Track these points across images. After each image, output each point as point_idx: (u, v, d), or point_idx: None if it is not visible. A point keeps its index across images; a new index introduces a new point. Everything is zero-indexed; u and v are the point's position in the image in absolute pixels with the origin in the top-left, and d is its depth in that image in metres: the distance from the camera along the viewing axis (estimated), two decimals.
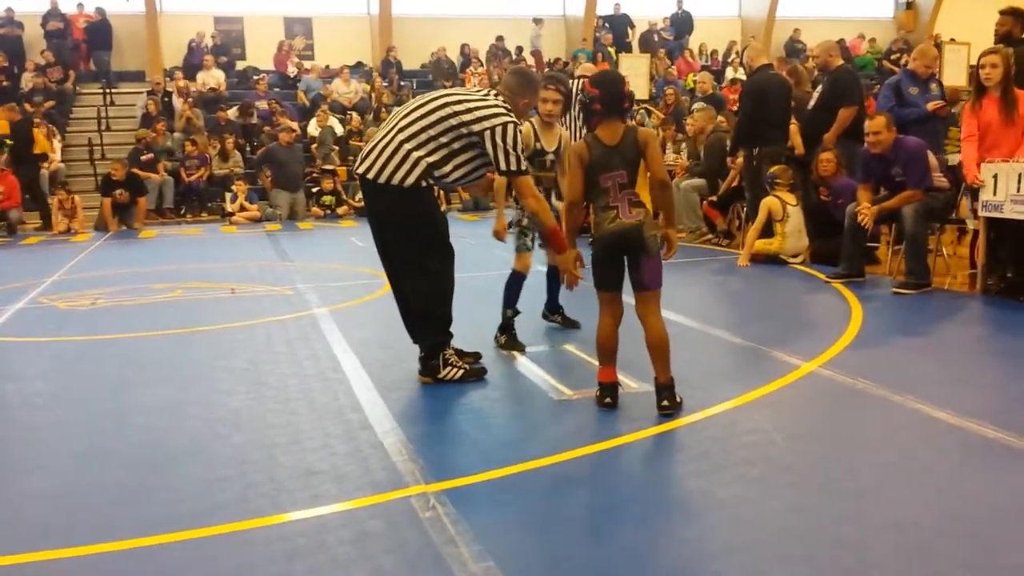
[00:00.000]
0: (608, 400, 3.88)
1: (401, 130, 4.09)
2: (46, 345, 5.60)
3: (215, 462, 3.35)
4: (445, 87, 17.77)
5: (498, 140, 4.03)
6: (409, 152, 4.04)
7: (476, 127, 4.03)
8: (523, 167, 4.12)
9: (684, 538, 2.68)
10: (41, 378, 4.91)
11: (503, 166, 4.08)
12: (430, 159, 4.04)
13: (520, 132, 4.13)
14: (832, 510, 2.82)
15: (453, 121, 4.05)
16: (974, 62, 11.42)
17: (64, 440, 3.76)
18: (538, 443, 3.46)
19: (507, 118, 4.07)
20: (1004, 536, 2.62)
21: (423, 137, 4.04)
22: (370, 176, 4.10)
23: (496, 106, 4.10)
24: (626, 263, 3.79)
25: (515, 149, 4.06)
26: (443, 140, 4.05)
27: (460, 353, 4.40)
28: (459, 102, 4.09)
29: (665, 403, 3.76)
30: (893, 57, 20.11)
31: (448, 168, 4.10)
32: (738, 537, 2.64)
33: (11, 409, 4.28)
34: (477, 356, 4.53)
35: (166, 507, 2.94)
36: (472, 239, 9.46)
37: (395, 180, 4.04)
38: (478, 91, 4.31)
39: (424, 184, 4.06)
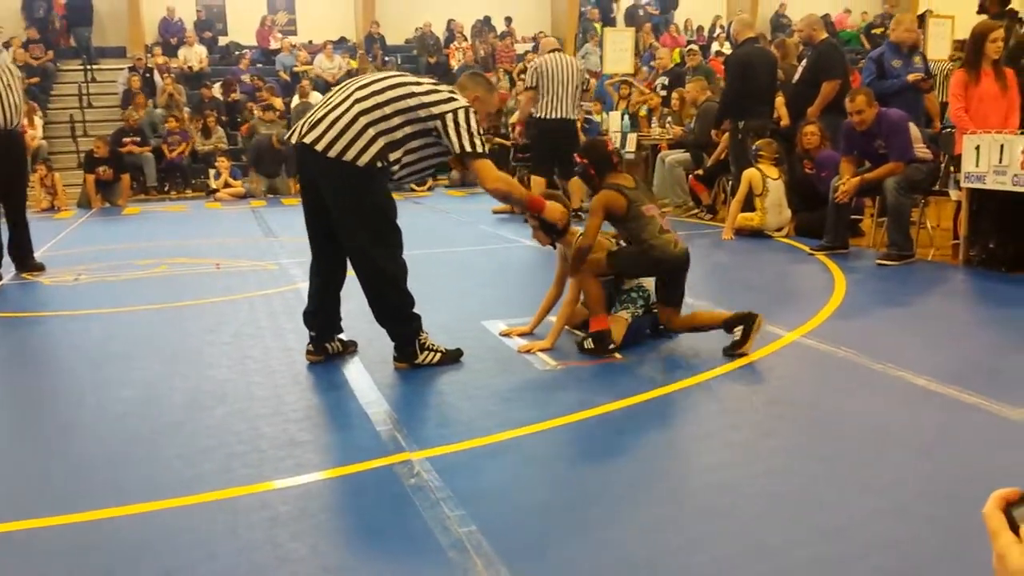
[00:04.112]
0: (612, 345, 4.18)
1: (358, 101, 3.80)
2: (29, 320, 5.57)
3: (199, 433, 3.35)
4: (429, 64, 17.70)
5: (460, 121, 3.82)
6: (366, 127, 3.75)
7: (436, 109, 3.81)
8: (483, 150, 3.91)
9: (667, 503, 2.70)
10: (23, 353, 4.90)
11: (466, 147, 3.83)
12: (387, 138, 3.78)
13: (474, 117, 3.91)
14: (813, 474, 2.84)
15: (412, 102, 3.82)
16: (958, 36, 11.50)
17: (45, 413, 3.75)
18: (522, 412, 3.47)
19: (466, 103, 3.90)
20: (981, 498, 2.63)
21: (378, 114, 3.77)
22: (319, 147, 3.75)
23: (454, 94, 3.94)
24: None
25: (473, 131, 3.86)
26: (397, 121, 3.79)
27: (343, 342, 4.29)
28: (418, 83, 3.93)
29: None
30: (875, 31, 20.04)
31: (399, 153, 3.83)
32: (722, 501, 2.67)
33: None
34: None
35: (149, 478, 2.94)
36: (457, 214, 9.48)
37: (348, 156, 3.73)
38: (434, 82, 4.12)
39: (378, 165, 3.78)
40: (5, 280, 6.69)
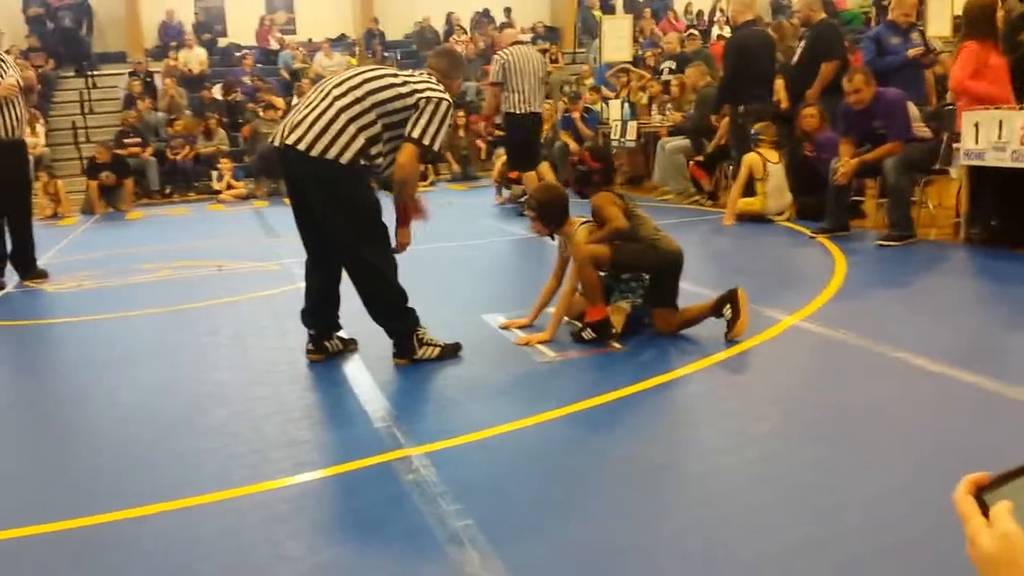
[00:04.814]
0: (615, 331, 4.21)
1: (337, 99, 3.80)
2: (32, 328, 5.61)
3: (200, 435, 3.37)
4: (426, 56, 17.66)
5: (432, 109, 3.82)
6: (347, 124, 3.75)
7: (411, 100, 3.81)
8: (434, 147, 3.89)
9: (664, 490, 2.72)
10: (27, 360, 4.94)
11: (418, 133, 3.80)
12: (367, 133, 3.78)
13: (451, 118, 3.92)
14: (808, 456, 2.85)
15: (389, 93, 3.81)
16: (958, 12, 11.42)
17: (49, 418, 3.78)
18: (520, 405, 3.48)
19: (445, 97, 3.90)
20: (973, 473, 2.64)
21: (358, 109, 3.77)
22: (301, 147, 3.75)
23: (435, 85, 3.94)
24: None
25: (440, 129, 3.86)
26: (374, 115, 3.79)
27: (342, 340, 4.30)
28: (395, 74, 3.93)
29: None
30: (885, 2, 19.77)
31: (380, 146, 3.84)
32: (717, 485, 2.68)
33: None
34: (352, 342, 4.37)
35: (151, 480, 2.97)
36: (457, 208, 9.48)
37: (331, 154, 3.73)
38: (410, 72, 4.10)
39: (361, 163, 3.79)
40: (8, 288, 6.73)
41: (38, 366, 4.84)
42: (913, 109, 6.62)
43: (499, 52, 8.88)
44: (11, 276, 6.92)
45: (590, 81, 14.03)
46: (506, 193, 10.22)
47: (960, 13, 11.19)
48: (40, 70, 15.89)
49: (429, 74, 4.06)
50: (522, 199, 8.36)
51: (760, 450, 2.93)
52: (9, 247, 6.91)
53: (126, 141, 13.40)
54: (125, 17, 17.87)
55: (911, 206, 6.58)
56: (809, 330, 4.30)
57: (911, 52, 7.64)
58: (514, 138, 8.95)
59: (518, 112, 8.63)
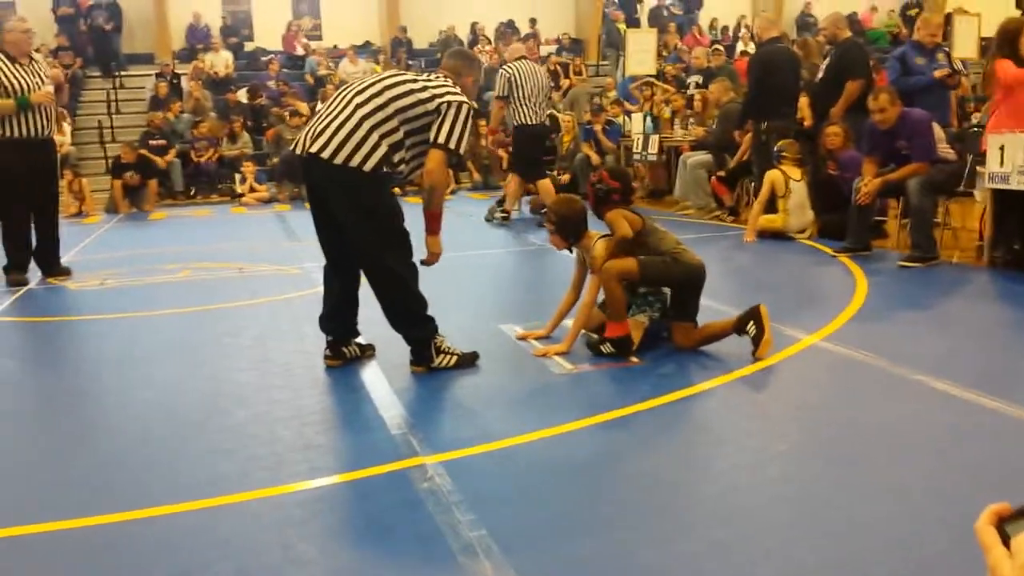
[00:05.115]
0: (634, 347, 4.22)
1: (359, 106, 3.83)
2: (55, 324, 5.66)
3: (218, 436, 3.39)
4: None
5: (454, 113, 3.86)
6: (370, 131, 3.78)
7: (432, 105, 3.84)
8: (460, 150, 3.93)
9: (681, 508, 2.70)
10: (48, 356, 4.98)
11: (443, 140, 3.84)
12: (389, 140, 3.81)
13: (471, 121, 3.96)
14: (827, 477, 2.84)
15: (410, 99, 3.84)
16: (985, 33, 11.36)
17: (66, 415, 3.81)
18: (537, 416, 3.48)
19: (465, 101, 3.93)
20: (996, 503, 2.62)
21: (381, 116, 3.80)
22: (324, 155, 3.78)
23: (452, 88, 3.96)
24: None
25: (463, 132, 3.89)
26: (397, 121, 3.82)
27: (360, 346, 4.33)
28: (414, 80, 3.95)
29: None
30: (911, 12, 19.59)
31: (402, 152, 3.87)
32: (735, 504, 2.66)
33: (17, 386, 4.35)
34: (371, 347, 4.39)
35: (168, 480, 2.98)
36: (476, 217, 9.50)
37: (354, 162, 3.76)
38: (426, 75, 4.11)
39: (384, 170, 3.82)
40: (31, 285, 6.79)
41: (59, 363, 4.88)
42: (938, 130, 6.59)
43: (504, 66, 9.15)
44: (34, 273, 6.99)
45: (613, 94, 14.06)
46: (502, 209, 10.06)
47: (986, 35, 11.15)
48: (68, 70, 16.08)
49: (445, 76, 4.08)
50: (543, 210, 8.38)
51: (778, 470, 2.92)
52: (34, 244, 6.98)
53: (152, 143, 13.52)
54: (154, 19, 18.06)
55: (934, 227, 6.54)
56: (828, 350, 4.28)
57: (937, 73, 7.61)
58: (524, 148, 9.20)
59: (528, 123, 8.93)
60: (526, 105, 8.84)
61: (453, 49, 4.68)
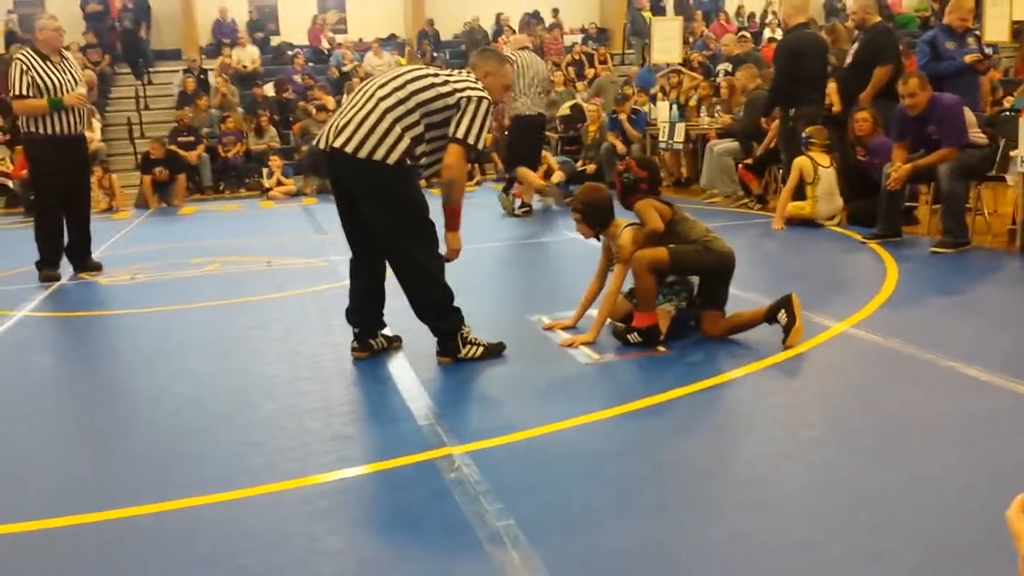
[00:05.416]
0: (661, 336, 4.20)
1: (382, 100, 3.84)
2: (87, 319, 5.73)
3: (247, 428, 3.42)
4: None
5: (473, 108, 3.86)
6: (393, 124, 3.79)
7: (452, 99, 3.85)
8: (478, 145, 3.93)
9: (707, 497, 2.69)
10: (81, 351, 5.05)
11: (462, 134, 3.86)
12: (411, 133, 3.82)
13: (491, 117, 3.96)
14: (856, 465, 2.81)
15: (431, 93, 3.85)
16: (1017, 17, 11.17)
17: (99, 409, 3.86)
18: (563, 406, 3.47)
19: (485, 96, 3.93)
20: None
21: (403, 109, 3.81)
22: (348, 149, 3.80)
23: (474, 84, 3.96)
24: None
25: (482, 127, 3.89)
26: (418, 115, 3.84)
27: (387, 338, 4.33)
28: (436, 74, 3.96)
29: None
30: None
31: (424, 146, 3.89)
32: (762, 494, 2.65)
33: (50, 380, 4.41)
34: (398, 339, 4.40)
35: (196, 472, 3.02)
36: (500, 209, 9.49)
37: (378, 155, 3.78)
38: (449, 71, 4.13)
39: (407, 163, 3.84)
40: (63, 280, 6.88)
41: (91, 357, 4.94)
42: (969, 115, 6.49)
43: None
44: (66, 268, 7.08)
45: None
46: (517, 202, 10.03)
47: (1018, 19, 10.96)
48: (97, 67, 16.26)
49: (469, 72, 4.08)
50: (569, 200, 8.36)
51: (807, 458, 2.89)
52: (67, 239, 7.06)
53: (180, 139, 13.63)
54: (181, 15, 18.20)
55: (966, 213, 6.45)
56: (859, 337, 4.24)
57: (968, 58, 7.48)
58: (521, 137, 9.43)
59: (528, 113, 9.20)
60: (524, 95, 9.06)
61: (485, 48, 4.71)
